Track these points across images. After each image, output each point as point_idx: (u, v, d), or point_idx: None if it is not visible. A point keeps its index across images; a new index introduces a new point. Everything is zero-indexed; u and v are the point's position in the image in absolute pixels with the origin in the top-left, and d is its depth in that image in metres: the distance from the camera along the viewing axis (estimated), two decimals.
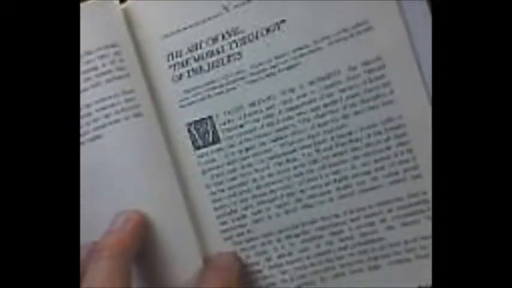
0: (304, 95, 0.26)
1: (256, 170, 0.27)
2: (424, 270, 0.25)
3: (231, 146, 0.27)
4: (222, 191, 0.27)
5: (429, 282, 0.25)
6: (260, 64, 0.27)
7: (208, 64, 0.28)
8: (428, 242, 0.25)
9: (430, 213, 0.25)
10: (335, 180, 0.26)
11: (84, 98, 0.27)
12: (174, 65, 0.28)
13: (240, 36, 0.27)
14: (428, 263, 0.25)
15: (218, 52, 0.27)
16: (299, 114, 0.26)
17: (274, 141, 0.27)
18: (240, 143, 0.27)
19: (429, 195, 0.25)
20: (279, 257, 0.27)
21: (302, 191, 0.26)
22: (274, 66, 0.27)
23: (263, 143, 0.27)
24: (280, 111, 0.27)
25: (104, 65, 0.27)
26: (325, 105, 0.26)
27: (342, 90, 0.26)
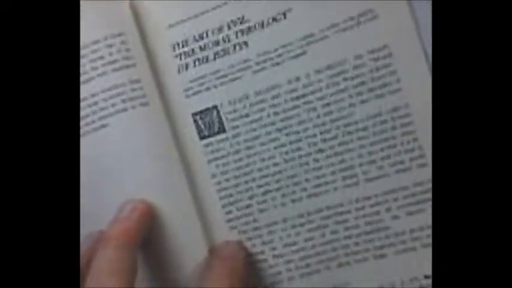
0: (311, 84, 0.26)
1: (262, 160, 0.27)
2: (429, 259, 0.25)
3: (237, 135, 0.27)
4: (228, 180, 0.27)
5: None
6: (266, 53, 0.27)
7: (214, 53, 0.28)
8: None
9: None
10: (341, 170, 0.26)
11: (91, 87, 0.27)
12: (180, 55, 0.28)
13: (246, 25, 0.27)
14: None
15: (224, 41, 0.27)
16: (305, 103, 0.26)
17: (279, 130, 0.27)
18: (246, 132, 0.27)
19: None
20: (284, 246, 0.27)
21: (307, 180, 0.26)
22: (280, 55, 0.27)
23: (269, 133, 0.27)
24: (286, 101, 0.27)
25: (110, 54, 0.27)
26: (331, 94, 0.26)
27: (349, 79, 0.26)
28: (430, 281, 0.25)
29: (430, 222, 0.25)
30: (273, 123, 0.27)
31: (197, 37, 0.28)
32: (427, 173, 0.25)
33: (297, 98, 0.26)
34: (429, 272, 0.25)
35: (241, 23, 0.27)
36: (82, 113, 0.27)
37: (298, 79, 0.26)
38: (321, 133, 0.26)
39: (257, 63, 0.27)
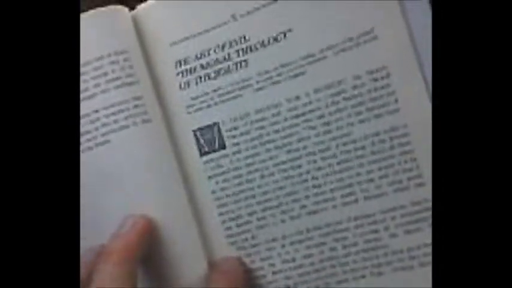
0: (310, 103, 0.27)
1: (262, 176, 0.27)
2: (427, 277, 0.25)
3: (237, 152, 0.28)
4: (228, 196, 0.28)
5: None
6: (266, 72, 0.27)
7: (216, 71, 0.28)
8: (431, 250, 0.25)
9: None
10: (339, 188, 0.26)
11: (93, 104, 0.27)
12: (182, 72, 0.28)
13: (247, 44, 0.27)
14: (431, 270, 0.25)
15: (225, 60, 0.28)
16: (304, 121, 0.27)
17: (279, 148, 0.27)
18: (246, 149, 0.27)
19: None
20: (283, 262, 0.27)
21: (307, 197, 0.27)
22: (280, 75, 0.27)
23: (269, 150, 0.27)
24: (285, 119, 0.27)
25: (113, 71, 0.27)
26: (331, 113, 0.26)
27: (347, 99, 0.26)
28: None
29: (427, 240, 0.25)
30: (273, 141, 0.27)
31: (199, 55, 0.28)
32: (424, 192, 0.25)
33: (297, 116, 0.27)
34: None
35: (242, 42, 0.27)
36: (84, 129, 0.27)
37: (298, 98, 0.27)
38: (320, 151, 0.26)
39: (257, 82, 0.27)
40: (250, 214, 0.27)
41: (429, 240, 0.25)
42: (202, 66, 0.28)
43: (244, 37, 0.27)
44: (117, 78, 0.27)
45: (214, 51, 0.28)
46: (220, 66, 0.28)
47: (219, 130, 0.28)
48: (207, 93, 0.28)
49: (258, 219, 0.27)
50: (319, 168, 0.27)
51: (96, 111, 0.27)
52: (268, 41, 0.27)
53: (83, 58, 0.27)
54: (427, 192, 0.25)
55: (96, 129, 0.27)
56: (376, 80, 0.26)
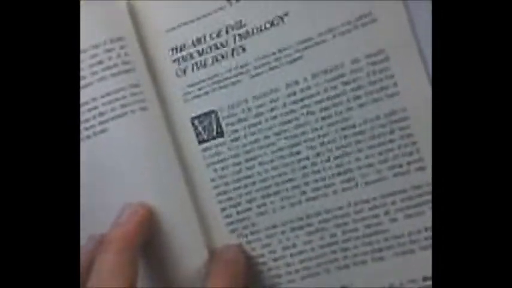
0: (308, 88, 0.26)
1: (261, 163, 0.27)
2: (428, 261, 0.25)
3: (235, 139, 0.27)
4: (227, 184, 0.28)
5: None
6: (264, 57, 0.27)
7: (212, 58, 0.28)
8: None
9: None
10: (339, 173, 0.26)
11: (90, 92, 0.27)
12: (178, 59, 0.28)
13: (244, 29, 0.27)
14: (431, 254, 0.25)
15: (222, 46, 0.27)
16: (303, 107, 0.26)
17: (278, 134, 0.27)
18: (244, 136, 0.27)
19: None
20: (284, 249, 0.27)
21: (306, 183, 0.27)
22: (277, 60, 0.27)
23: (267, 137, 0.27)
24: (284, 105, 0.27)
25: (110, 59, 0.27)
26: (329, 98, 0.26)
27: (346, 83, 0.26)
28: (428, 282, 0.25)
29: (428, 224, 0.25)
30: (271, 127, 0.27)
31: (195, 41, 0.28)
32: (425, 176, 0.25)
33: (295, 102, 0.27)
34: (428, 273, 0.25)
35: (238, 27, 0.27)
36: (82, 118, 0.27)
37: (296, 83, 0.26)
38: (319, 137, 0.26)
39: (255, 68, 0.27)
40: (249, 201, 0.27)
41: (430, 224, 0.25)
42: (198, 53, 0.28)
43: (241, 22, 0.27)
44: (114, 66, 0.27)
45: (211, 37, 0.28)
46: (217, 52, 0.28)
47: (217, 117, 0.28)
48: (204, 80, 0.28)
49: (258, 206, 0.27)
50: (319, 154, 0.26)
51: (93, 99, 0.27)
52: (265, 26, 0.27)
53: None
54: (427, 176, 0.25)
55: (94, 117, 0.27)
56: (375, 63, 0.25)
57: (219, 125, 0.28)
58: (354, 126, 0.26)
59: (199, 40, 0.28)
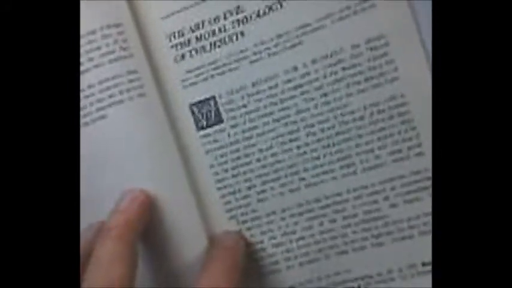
0: (308, 74, 0.26)
1: (260, 150, 0.27)
2: (427, 246, 0.25)
3: (234, 126, 0.27)
4: (226, 171, 0.28)
5: None
6: (262, 43, 0.27)
7: (211, 44, 0.27)
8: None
9: None
10: (338, 159, 0.26)
11: (88, 79, 0.27)
12: (176, 45, 0.28)
13: (242, 15, 0.27)
14: (431, 239, 0.25)
15: (220, 31, 0.27)
16: (302, 93, 0.26)
17: (277, 120, 0.27)
18: (243, 123, 0.27)
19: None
20: (283, 235, 0.27)
21: (306, 169, 0.27)
22: (276, 45, 0.26)
23: (266, 123, 0.27)
24: (283, 91, 0.27)
25: (107, 45, 0.27)
26: (329, 84, 0.26)
27: (346, 69, 0.26)
28: (428, 268, 0.26)
29: (427, 210, 0.25)
30: (270, 114, 0.27)
31: (193, 27, 0.28)
32: (424, 162, 0.25)
33: (294, 88, 0.26)
34: (427, 259, 0.26)
35: (237, 13, 0.27)
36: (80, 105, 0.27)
37: (295, 69, 0.26)
38: (319, 123, 0.26)
39: (254, 53, 0.27)
40: (249, 188, 0.27)
41: (429, 210, 0.25)
42: (196, 39, 0.28)
43: (239, 7, 0.27)
44: (111, 52, 0.27)
45: (209, 22, 0.27)
46: (215, 38, 0.27)
47: (216, 104, 0.27)
48: (202, 66, 0.27)
49: (257, 193, 0.27)
50: (318, 140, 0.26)
51: (91, 86, 0.27)
52: (264, 11, 0.26)
53: None
54: (426, 161, 0.25)
55: (91, 104, 0.27)
56: (374, 48, 0.25)
57: (217, 112, 0.27)
58: (353, 112, 0.26)
59: (197, 26, 0.28)
